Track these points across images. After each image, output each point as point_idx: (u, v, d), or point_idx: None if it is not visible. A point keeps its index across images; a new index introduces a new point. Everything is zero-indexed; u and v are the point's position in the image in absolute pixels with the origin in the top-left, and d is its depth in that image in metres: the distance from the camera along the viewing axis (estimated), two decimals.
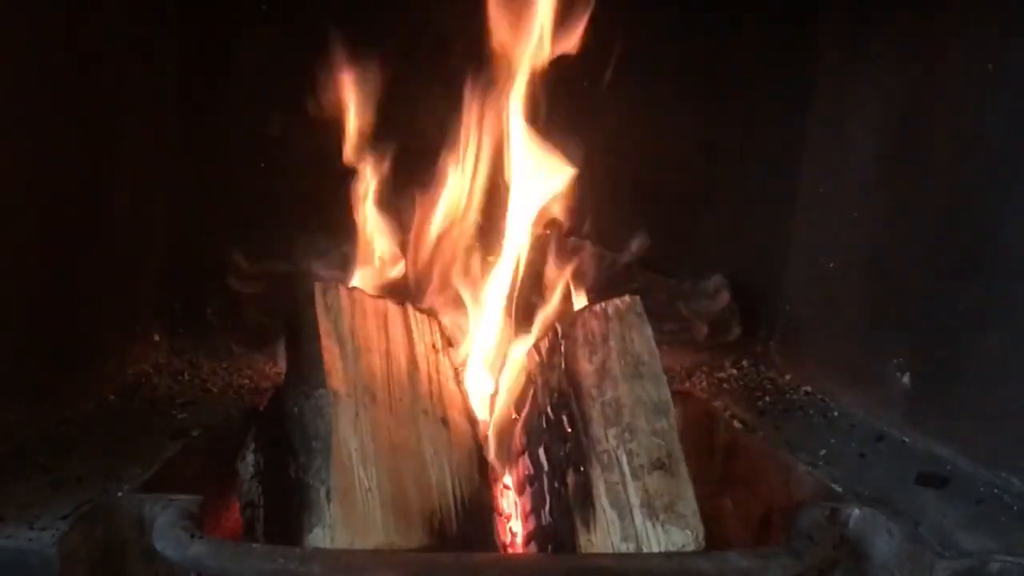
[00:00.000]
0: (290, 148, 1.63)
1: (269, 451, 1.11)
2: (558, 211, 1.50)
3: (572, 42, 1.41)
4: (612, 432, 1.07)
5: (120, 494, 1.02)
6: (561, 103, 1.48)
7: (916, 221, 1.34)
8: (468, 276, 1.46)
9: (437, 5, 1.53)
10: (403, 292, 1.43)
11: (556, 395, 1.15)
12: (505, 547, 1.15)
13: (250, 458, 1.12)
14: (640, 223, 1.68)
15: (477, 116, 1.45)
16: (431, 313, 1.30)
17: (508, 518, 1.21)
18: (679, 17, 1.63)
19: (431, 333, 1.25)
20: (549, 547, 1.07)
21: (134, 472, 1.08)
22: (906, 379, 1.33)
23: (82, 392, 1.35)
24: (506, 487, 1.24)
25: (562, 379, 1.15)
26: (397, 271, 1.47)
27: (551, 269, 1.45)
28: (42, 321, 1.24)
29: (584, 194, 1.59)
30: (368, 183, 1.47)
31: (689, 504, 1.01)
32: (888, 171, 1.43)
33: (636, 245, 1.63)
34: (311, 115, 1.52)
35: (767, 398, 1.54)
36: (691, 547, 0.98)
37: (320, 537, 0.96)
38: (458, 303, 1.44)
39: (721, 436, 1.42)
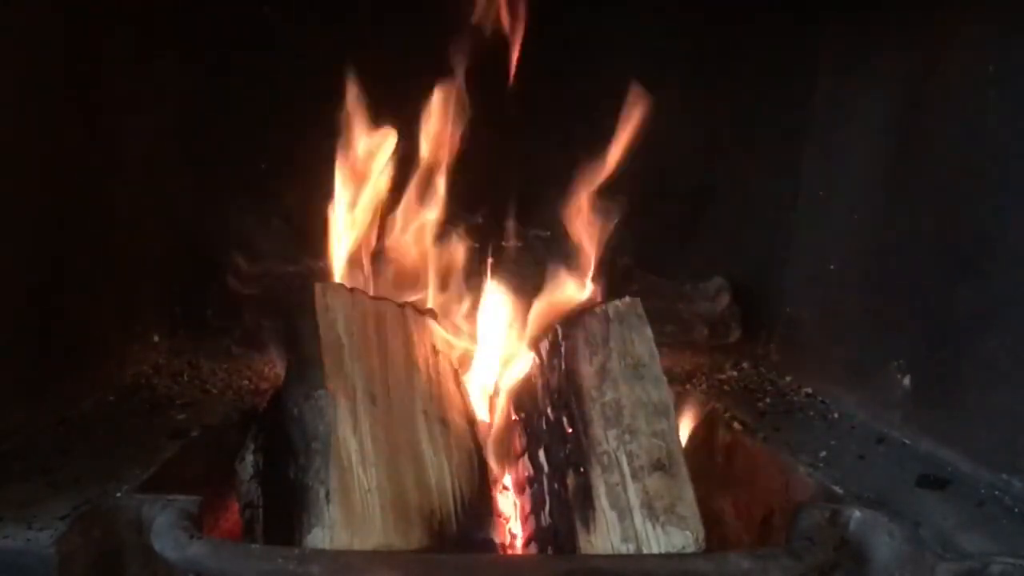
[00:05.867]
0: (291, 148, 1.63)
1: (268, 452, 1.11)
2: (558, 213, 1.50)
3: None
4: (612, 433, 1.07)
5: (119, 494, 1.01)
6: (562, 104, 1.48)
7: (916, 222, 1.34)
8: (468, 277, 1.46)
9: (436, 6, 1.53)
10: (402, 292, 1.43)
11: (556, 396, 1.15)
12: (505, 548, 1.15)
13: (249, 459, 1.12)
14: (640, 224, 1.68)
15: (477, 115, 1.46)
16: (431, 314, 1.29)
17: (508, 519, 1.21)
18: (680, 18, 1.63)
19: (431, 334, 1.25)
20: (549, 548, 1.07)
21: (133, 472, 1.08)
22: (907, 381, 1.32)
23: (81, 392, 1.35)
24: (506, 488, 1.24)
25: (562, 380, 1.14)
26: (396, 271, 1.47)
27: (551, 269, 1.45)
28: (41, 321, 1.24)
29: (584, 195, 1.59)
30: (367, 183, 1.47)
31: (689, 505, 1.01)
32: (888, 172, 1.43)
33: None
34: (312, 114, 1.52)
35: (767, 400, 1.54)
36: (691, 548, 0.98)
37: (319, 538, 0.95)
38: (458, 303, 1.44)
39: (721, 437, 1.41)
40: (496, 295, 1.43)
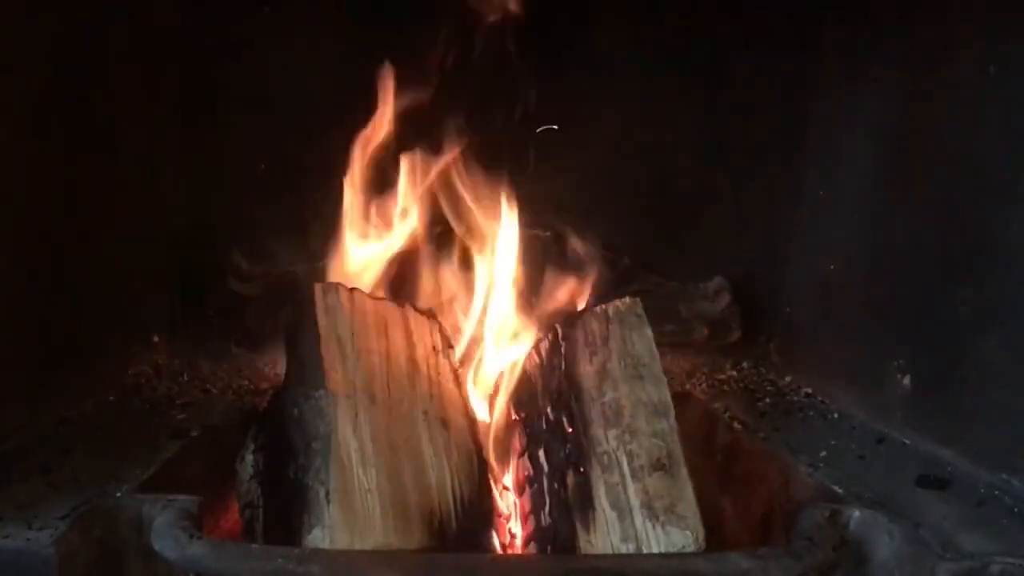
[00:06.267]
0: (291, 149, 1.63)
1: (268, 452, 1.11)
2: (559, 212, 1.50)
3: None
4: (612, 433, 1.07)
5: (119, 494, 1.01)
6: (562, 104, 1.48)
7: (916, 223, 1.34)
8: (468, 277, 1.46)
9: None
10: (402, 292, 1.43)
11: (556, 396, 1.15)
12: (505, 548, 1.15)
13: (249, 459, 1.12)
14: (640, 224, 1.68)
15: (476, 117, 1.46)
16: (431, 315, 1.30)
17: (507, 519, 1.21)
18: (681, 19, 1.63)
19: (431, 334, 1.25)
20: (548, 548, 1.07)
21: (133, 472, 1.08)
22: (907, 381, 1.32)
23: (81, 392, 1.35)
24: (506, 488, 1.24)
25: (562, 380, 1.14)
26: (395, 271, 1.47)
27: (552, 270, 1.45)
28: (42, 321, 1.24)
29: (584, 195, 1.60)
30: (367, 183, 1.47)
31: (689, 505, 1.01)
32: (889, 173, 1.43)
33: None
34: (312, 113, 1.52)
35: (767, 400, 1.54)
36: (691, 548, 0.98)
37: (319, 538, 0.95)
38: (458, 303, 1.45)
39: (721, 437, 1.41)
40: (497, 294, 1.43)
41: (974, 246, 1.21)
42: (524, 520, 1.16)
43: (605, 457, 1.05)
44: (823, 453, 1.25)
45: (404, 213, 1.48)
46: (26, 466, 1.09)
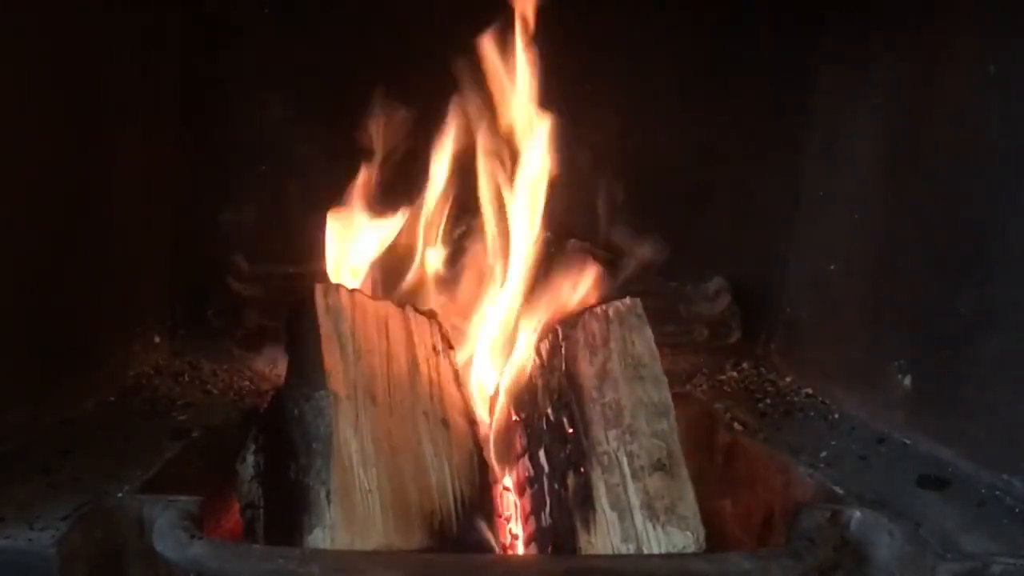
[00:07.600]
0: (291, 150, 1.64)
1: (269, 452, 1.11)
2: (558, 213, 1.50)
3: None
4: (612, 434, 1.07)
5: (120, 495, 1.02)
6: (562, 104, 1.48)
7: (917, 223, 1.34)
8: (468, 278, 1.46)
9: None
10: (403, 293, 1.43)
11: (556, 397, 1.15)
12: (505, 549, 1.15)
13: (250, 459, 1.12)
14: (640, 224, 1.68)
15: (476, 119, 1.46)
16: (431, 315, 1.30)
17: (508, 520, 1.21)
18: (680, 18, 1.63)
19: (431, 335, 1.25)
20: (549, 548, 1.07)
21: (134, 473, 1.08)
22: (907, 381, 1.32)
23: (82, 393, 1.35)
24: (506, 489, 1.24)
25: (563, 381, 1.15)
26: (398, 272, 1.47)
27: (552, 271, 1.45)
28: (42, 322, 1.24)
29: (584, 196, 1.59)
30: (366, 185, 1.47)
31: (690, 506, 1.01)
32: (889, 172, 1.43)
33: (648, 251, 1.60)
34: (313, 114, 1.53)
35: (768, 400, 1.54)
36: (691, 549, 0.98)
37: (320, 538, 0.96)
38: (459, 304, 1.44)
39: (722, 438, 1.41)
40: (497, 295, 1.43)
41: (975, 246, 1.21)
42: (524, 521, 1.16)
43: (605, 458, 1.05)
44: (824, 453, 1.25)
45: (406, 211, 1.48)
46: (27, 466, 1.09)
